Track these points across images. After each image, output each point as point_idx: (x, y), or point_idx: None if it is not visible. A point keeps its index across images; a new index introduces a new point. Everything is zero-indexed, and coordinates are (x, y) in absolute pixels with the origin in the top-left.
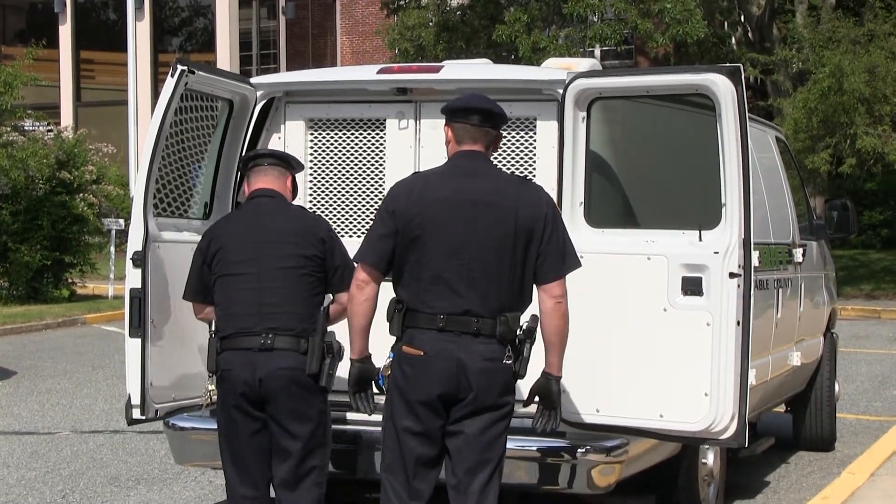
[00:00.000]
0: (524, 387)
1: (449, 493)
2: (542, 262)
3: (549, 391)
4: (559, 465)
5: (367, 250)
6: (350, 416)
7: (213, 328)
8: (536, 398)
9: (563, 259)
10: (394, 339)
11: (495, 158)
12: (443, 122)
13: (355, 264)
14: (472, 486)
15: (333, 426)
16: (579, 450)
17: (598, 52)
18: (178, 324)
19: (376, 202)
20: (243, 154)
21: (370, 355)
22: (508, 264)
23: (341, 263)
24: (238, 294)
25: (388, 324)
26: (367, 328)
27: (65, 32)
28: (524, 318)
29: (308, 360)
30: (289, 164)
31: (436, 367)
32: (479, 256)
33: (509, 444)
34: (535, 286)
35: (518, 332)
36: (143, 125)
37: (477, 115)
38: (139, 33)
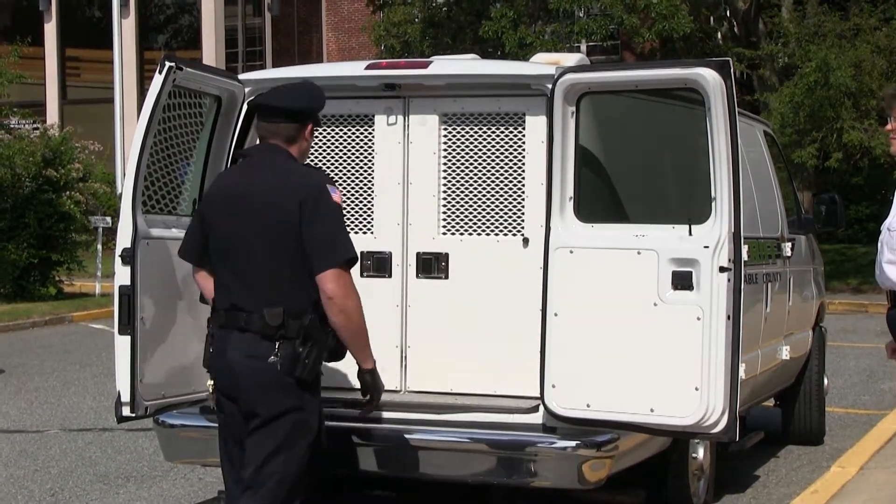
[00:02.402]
0: (506, 383)
1: None
2: (308, 255)
3: (363, 382)
4: (549, 460)
5: (182, 246)
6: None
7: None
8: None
9: (331, 250)
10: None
11: (478, 153)
12: (432, 117)
13: None
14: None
15: (330, 423)
16: (570, 444)
17: (584, 47)
18: (168, 320)
19: (365, 198)
20: (232, 151)
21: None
22: (273, 257)
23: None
24: None
25: None
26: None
27: (50, 30)
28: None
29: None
30: None
31: (215, 364)
32: (244, 250)
33: (497, 438)
34: None
35: (292, 330)
36: (129, 122)
37: (270, 113)
38: (125, 30)
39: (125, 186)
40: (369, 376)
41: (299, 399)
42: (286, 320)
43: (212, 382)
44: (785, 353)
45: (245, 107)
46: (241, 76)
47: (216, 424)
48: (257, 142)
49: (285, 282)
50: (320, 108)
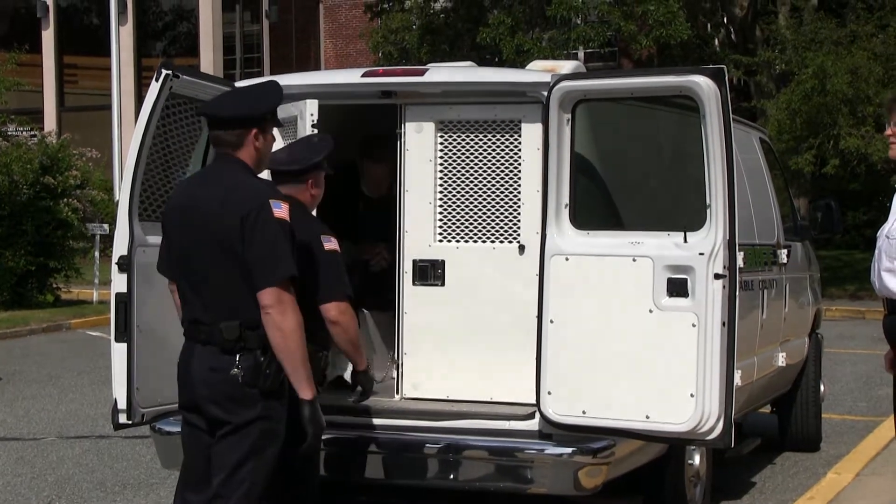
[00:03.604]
0: (504, 391)
1: None
2: (250, 270)
3: (300, 414)
4: (546, 467)
5: (159, 260)
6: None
7: None
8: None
9: (270, 268)
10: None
11: (474, 161)
12: (428, 124)
13: None
14: None
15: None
16: (566, 451)
17: (581, 54)
18: (164, 328)
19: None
20: None
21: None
22: (224, 272)
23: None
24: None
25: None
26: None
27: (48, 37)
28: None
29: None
30: None
31: (178, 376)
32: (198, 264)
33: (494, 445)
34: None
35: (251, 342)
36: (127, 130)
37: (209, 123)
38: (122, 38)
39: (122, 194)
40: (307, 409)
41: (265, 408)
42: (243, 333)
43: None
44: (781, 360)
45: None
46: (237, 84)
47: None
48: None
49: (238, 295)
50: (256, 113)
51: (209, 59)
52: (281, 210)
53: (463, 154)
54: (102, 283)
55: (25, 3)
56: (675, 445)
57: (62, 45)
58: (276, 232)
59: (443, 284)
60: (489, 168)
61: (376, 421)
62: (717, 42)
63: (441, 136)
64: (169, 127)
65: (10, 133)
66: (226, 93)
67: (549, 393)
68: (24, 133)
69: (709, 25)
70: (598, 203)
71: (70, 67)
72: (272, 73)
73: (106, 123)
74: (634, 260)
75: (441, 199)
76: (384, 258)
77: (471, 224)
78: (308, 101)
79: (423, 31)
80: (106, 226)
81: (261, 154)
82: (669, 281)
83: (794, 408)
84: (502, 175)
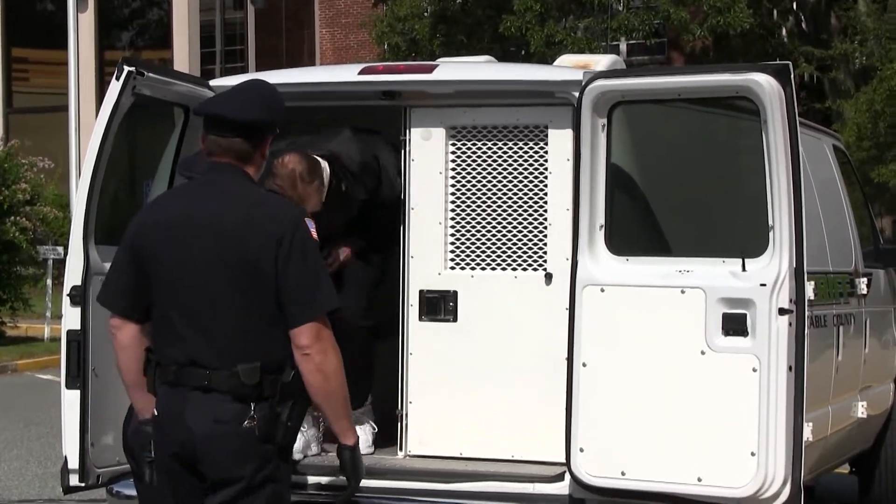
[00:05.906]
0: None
1: None
2: (282, 302)
3: (341, 461)
4: None
5: (103, 289)
6: None
7: None
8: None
9: (310, 300)
10: None
11: (492, 173)
12: (438, 130)
13: None
14: None
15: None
16: None
17: (623, 46)
18: None
19: None
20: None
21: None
22: (239, 303)
23: None
24: None
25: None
26: (138, 382)
27: None
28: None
29: None
30: None
31: (165, 432)
32: (202, 293)
33: None
34: None
35: (269, 388)
36: (87, 136)
37: (221, 126)
38: (82, 27)
39: (76, 212)
40: (348, 454)
41: (276, 468)
42: (262, 377)
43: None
44: (861, 410)
45: None
46: (213, 82)
47: None
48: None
49: (259, 332)
50: (281, 118)
51: (184, 51)
52: (314, 230)
53: (479, 165)
54: (55, 316)
55: None
56: None
57: (10, 36)
58: (317, 258)
59: (455, 320)
60: (510, 182)
61: (375, 483)
62: (784, 32)
63: (453, 145)
64: (132, 132)
65: None
66: (238, 90)
67: (582, 450)
68: None
69: (775, 12)
70: (640, 224)
71: (19, 62)
72: (258, 69)
73: (62, 128)
74: (683, 291)
75: (453, 218)
76: (336, 259)
77: (488, 248)
78: None
79: (435, 20)
80: (60, 249)
81: (262, 165)
82: (725, 317)
83: (878, 467)
84: (525, 191)
